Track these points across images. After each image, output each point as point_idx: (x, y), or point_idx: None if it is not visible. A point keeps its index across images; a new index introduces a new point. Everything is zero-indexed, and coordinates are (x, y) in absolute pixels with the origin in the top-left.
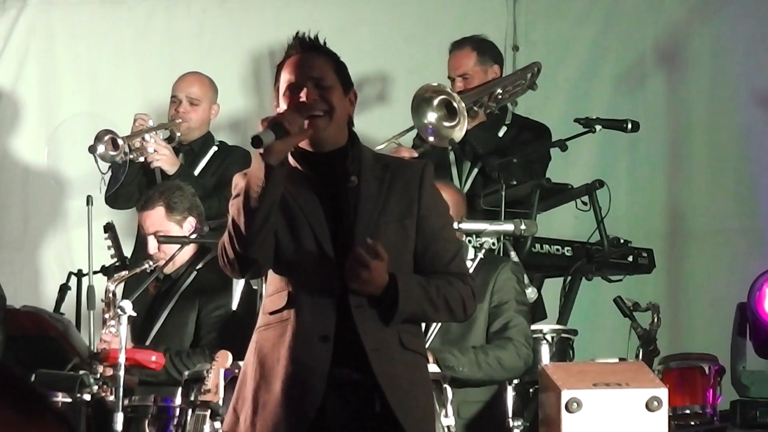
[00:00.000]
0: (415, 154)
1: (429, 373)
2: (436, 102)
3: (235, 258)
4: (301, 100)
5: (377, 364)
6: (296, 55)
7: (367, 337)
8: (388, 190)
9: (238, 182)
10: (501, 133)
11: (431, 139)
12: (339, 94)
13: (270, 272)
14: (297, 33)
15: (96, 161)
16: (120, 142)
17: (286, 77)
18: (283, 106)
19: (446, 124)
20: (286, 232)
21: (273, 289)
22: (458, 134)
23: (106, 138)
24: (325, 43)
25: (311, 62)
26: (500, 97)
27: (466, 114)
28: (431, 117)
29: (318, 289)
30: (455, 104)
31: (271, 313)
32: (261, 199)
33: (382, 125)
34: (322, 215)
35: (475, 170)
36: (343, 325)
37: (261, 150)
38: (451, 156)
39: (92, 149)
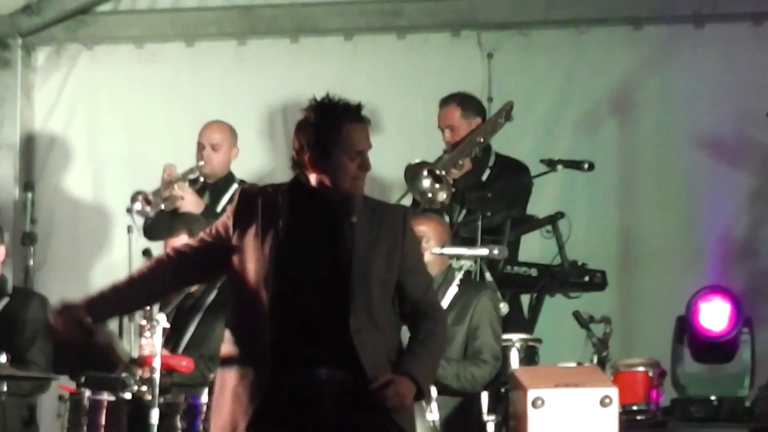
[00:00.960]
0: None
1: None
2: (424, 173)
3: None
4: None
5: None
6: (361, 125)
7: (365, 357)
8: (377, 231)
9: (228, 211)
10: (484, 177)
11: (425, 202)
12: None
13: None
14: (360, 103)
15: (133, 218)
16: (151, 198)
17: (358, 140)
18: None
19: (437, 186)
20: (290, 254)
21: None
22: (445, 196)
23: (140, 197)
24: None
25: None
26: (482, 141)
27: (449, 176)
28: (425, 184)
29: (292, 314)
30: (438, 173)
31: (232, 329)
32: None
33: (374, 162)
34: (325, 248)
35: (464, 211)
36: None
37: None
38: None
39: (129, 209)
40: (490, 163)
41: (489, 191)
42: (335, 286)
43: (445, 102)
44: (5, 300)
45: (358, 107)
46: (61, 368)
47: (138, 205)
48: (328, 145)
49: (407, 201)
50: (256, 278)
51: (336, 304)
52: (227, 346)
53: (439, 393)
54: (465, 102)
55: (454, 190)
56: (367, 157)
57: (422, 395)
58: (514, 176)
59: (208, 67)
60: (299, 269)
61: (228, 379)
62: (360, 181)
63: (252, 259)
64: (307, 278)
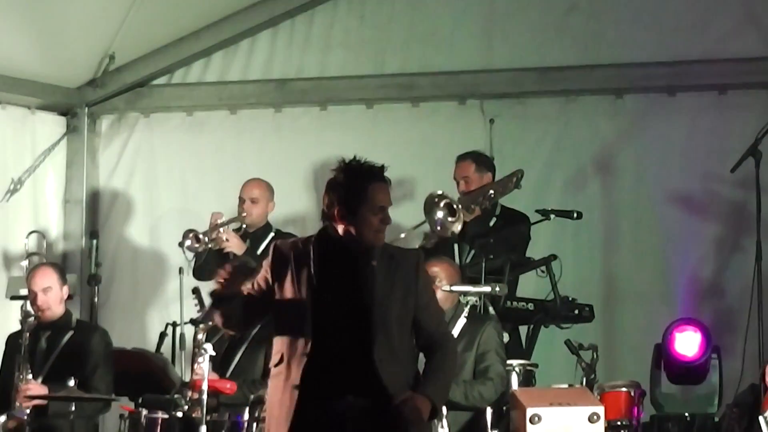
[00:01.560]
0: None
1: None
2: (441, 204)
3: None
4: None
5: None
6: (383, 184)
7: (388, 382)
8: (394, 274)
9: (264, 265)
10: (491, 223)
11: (438, 229)
12: None
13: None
14: (383, 165)
15: (184, 252)
16: (201, 237)
17: (381, 199)
18: (372, 218)
19: (450, 219)
20: (314, 295)
21: (280, 346)
22: (457, 227)
23: (191, 235)
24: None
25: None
26: (492, 196)
27: (462, 212)
28: (439, 214)
29: (325, 349)
30: (455, 206)
31: (275, 366)
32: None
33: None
34: (350, 290)
35: (472, 252)
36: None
37: None
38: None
39: (181, 244)
40: (497, 212)
41: (492, 237)
42: (360, 325)
43: (462, 158)
44: (70, 333)
45: (381, 169)
46: (122, 390)
47: (188, 242)
48: (355, 202)
49: (423, 229)
50: (293, 319)
51: (361, 340)
52: (272, 377)
53: (450, 409)
54: (479, 158)
55: (463, 230)
56: (388, 212)
57: (436, 413)
58: (515, 225)
59: (249, 132)
60: (329, 311)
61: (272, 406)
62: (381, 234)
63: (289, 303)
64: (336, 319)
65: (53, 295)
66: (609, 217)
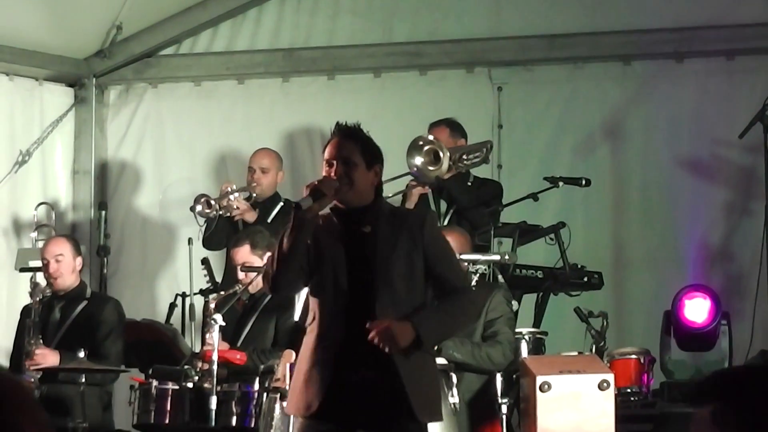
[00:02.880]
0: (428, 190)
1: (436, 368)
2: (425, 149)
3: (268, 279)
4: (331, 173)
5: (399, 362)
6: (335, 139)
7: None
8: (398, 233)
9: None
10: (469, 183)
11: (417, 174)
12: (362, 170)
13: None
14: (337, 122)
15: (195, 217)
16: (212, 202)
17: (326, 154)
18: (322, 174)
19: (430, 167)
20: (318, 268)
21: (311, 307)
22: (442, 171)
23: (202, 200)
24: (358, 129)
25: (341, 145)
26: (465, 160)
27: (446, 159)
28: (418, 161)
29: (333, 309)
30: (441, 153)
31: (308, 324)
32: (289, 242)
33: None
34: (343, 255)
35: (451, 211)
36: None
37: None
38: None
39: (192, 209)
40: (470, 180)
41: (498, 207)
42: (363, 286)
43: (436, 124)
44: (83, 303)
45: (337, 125)
46: (132, 361)
47: (200, 207)
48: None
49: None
50: (312, 286)
51: (364, 300)
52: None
53: (459, 369)
54: (453, 125)
55: (440, 187)
56: (339, 165)
57: (420, 344)
58: (494, 191)
59: (257, 101)
60: (335, 276)
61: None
62: (344, 188)
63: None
64: (343, 282)
65: (65, 264)
66: (618, 184)
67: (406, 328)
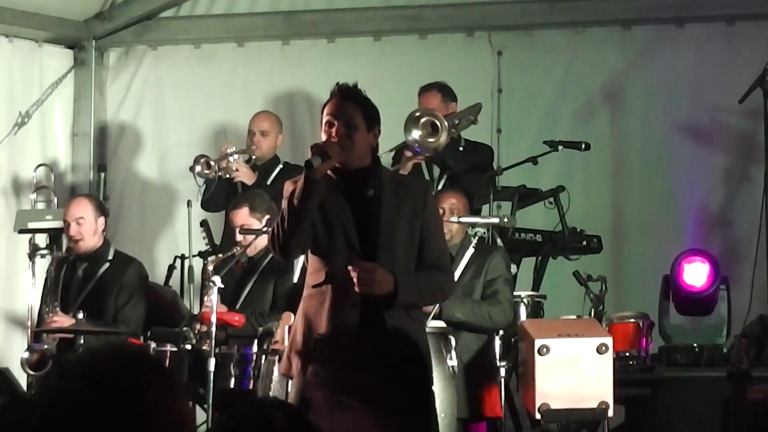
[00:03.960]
0: (421, 158)
1: (427, 335)
2: (422, 121)
3: (278, 243)
4: (332, 134)
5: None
6: (335, 99)
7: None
8: (402, 200)
9: (288, 187)
10: (461, 148)
11: (418, 148)
12: (362, 132)
13: (310, 255)
14: (338, 83)
15: (194, 177)
16: (212, 163)
17: (325, 114)
18: (323, 136)
19: (429, 140)
20: (323, 227)
21: (313, 268)
22: (441, 143)
23: (202, 160)
24: (358, 90)
25: (343, 106)
26: (457, 124)
27: (445, 130)
28: (416, 134)
29: (347, 270)
30: (439, 123)
31: (314, 287)
32: (302, 204)
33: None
34: (350, 215)
35: (444, 176)
36: (367, 298)
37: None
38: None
39: (192, 169)
40: (462, 144)
41: (498, 171)
42: (364, 250)
43: (427, 89)
44: (106, 265)
45: (337, 84)
46: None
47: (199, 167)
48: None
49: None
50: (314, 248)
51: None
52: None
53: (459, 328)
54: (444, 90)
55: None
56: (339, 123)
57: (395, 299)
58: (485, 154)
59: (257, 64)
60: (347, 236)
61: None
62: (345, 148)
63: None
64: (354, 241)
65: (87, 227)
66: (617, 149)
67: (388, 279)
